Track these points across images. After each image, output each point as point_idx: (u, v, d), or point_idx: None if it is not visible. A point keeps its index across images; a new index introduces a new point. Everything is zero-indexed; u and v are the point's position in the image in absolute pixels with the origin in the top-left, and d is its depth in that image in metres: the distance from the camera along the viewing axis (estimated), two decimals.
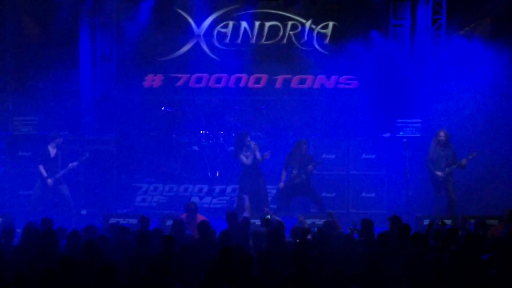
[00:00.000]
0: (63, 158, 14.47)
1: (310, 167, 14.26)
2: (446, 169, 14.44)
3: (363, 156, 15.72)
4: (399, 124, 15.82)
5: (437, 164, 14.50)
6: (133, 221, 12.96)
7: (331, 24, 17.21)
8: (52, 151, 14.51)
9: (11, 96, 16.71)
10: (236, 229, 10.95)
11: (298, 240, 10.42)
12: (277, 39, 17.30)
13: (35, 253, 9.90)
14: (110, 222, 12.73)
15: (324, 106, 17.19)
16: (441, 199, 14.60)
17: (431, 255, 9.52)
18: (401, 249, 9.99)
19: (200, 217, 12.14)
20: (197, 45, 17.33)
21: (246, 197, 14.03)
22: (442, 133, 14.55)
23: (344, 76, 17.27)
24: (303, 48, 17.28)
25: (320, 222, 13.15)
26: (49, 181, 14.35)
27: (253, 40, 17.31)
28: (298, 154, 14.35)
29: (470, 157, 14.48)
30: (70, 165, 14.41)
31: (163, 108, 17.18)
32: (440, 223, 11.11)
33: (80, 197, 15.39)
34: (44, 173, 14.37)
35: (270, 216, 11.20)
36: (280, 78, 17.40)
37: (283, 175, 14.39)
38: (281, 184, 14.37)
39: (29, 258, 9.79)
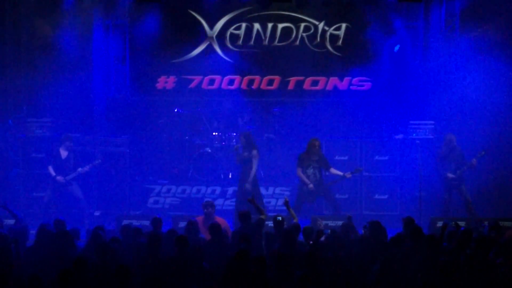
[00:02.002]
0: (75, 160, 14.51)
1: (348, 174, 14.21)
2: (458, 171, 14.42)
3: (376, 157, 15.70)
4: (412, 126, 15.79)
5: (447, 166, 14.48)
6: (146, 222, 12.97)
7: (344, 25, 17.16)
8: (64, 153, 14.55)
9: (25, 98, 16.78)
10: (249, 229, 10.92)
11: (311, 242, 10.39)
12: (289, 41, 17.27)
13: (48, 255, 9.94)
14: (123, 223, 12.74)
15: (337, 107, 17.14)
16: (451, 201, 14.53)
17: (445, 257, 9.50)
18: (414, 251, 9.97)
19: (219, 219, 12.17)
20: (209, 47, 17.34)
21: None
22: (447, 137, 14.62)
23: (357, 78, 17.22)
24: (315, 49, 17.25)
25: (333, 223, 13.14)
26: (59, 178, 14.37)
27: (266, 42, 17.29)
28: (311, 153, 14.26)
29: (479, 155, 14.45)
30: (80, 169, 14.43)
31: (176, 110, 17.19)
32: (454, 225, 11.07)
33: (93, 198, 15.45)
34: (53, 173, 14.40)
35: (282, 217, 11.17)
36: (292, 80, 17.37)
37: (303, 176, 14.28)
38: (311, 186, 14.20)
39: (43, 259, 9.83)
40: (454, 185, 14.49)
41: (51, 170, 14.45)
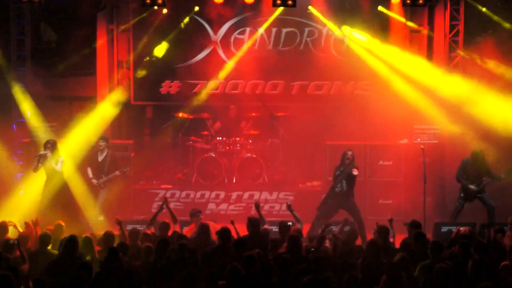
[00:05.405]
0: (109, 164, 14.81)
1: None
2: (480, 184, 14.17)
3: (380, 162, 15.71)
4: (417, 131, 15.78)
5: (468, 177, 14.27)
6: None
7: (348, 30, 17.14)
8: (100, 156, 14.89)
9: (29, 102, 16.79)
10: (256, 237, 10.92)
11: (313, 248, 10.38)
12: (294, 45, 17.26)
13: (55, 260, 9.97)
14: (128, 228, 12.73)
15: (341, 112, 17.07)
16: (462, 210, 14.34)
17: (450, 262, 9.51)
18: (419, 256, 9.99)
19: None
20: (214, 52, 17.34)
21: None
22: (473, 153, 14.27)
23: (361, 82, 17.20)
24: (320, 54, 17.24)
25: (336, 229, 13.13)
26: (94, 181, 14.83)
27: (270, 47, 17.29)
28: (342, 165, 14.16)
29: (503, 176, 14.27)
30: (110, 175, 14.78)
31: (180, 115, 17.13)
32: (461, 230, 11.11)
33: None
34: (90, 174, 14.92)
35: (289, 223, 11.17)
36: (296, 85, 17.36)
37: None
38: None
39: (49, 264, 9.85)
40: (474, 196, 14.24)
41: (89, 171, 14.94)
